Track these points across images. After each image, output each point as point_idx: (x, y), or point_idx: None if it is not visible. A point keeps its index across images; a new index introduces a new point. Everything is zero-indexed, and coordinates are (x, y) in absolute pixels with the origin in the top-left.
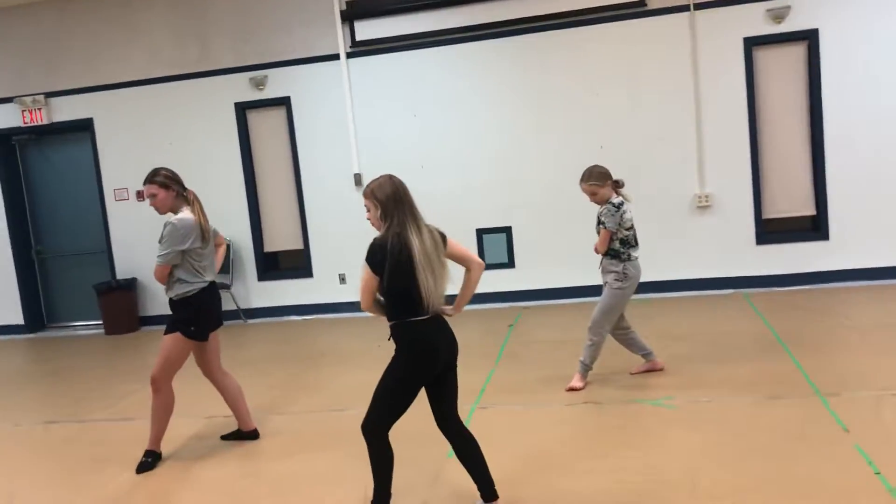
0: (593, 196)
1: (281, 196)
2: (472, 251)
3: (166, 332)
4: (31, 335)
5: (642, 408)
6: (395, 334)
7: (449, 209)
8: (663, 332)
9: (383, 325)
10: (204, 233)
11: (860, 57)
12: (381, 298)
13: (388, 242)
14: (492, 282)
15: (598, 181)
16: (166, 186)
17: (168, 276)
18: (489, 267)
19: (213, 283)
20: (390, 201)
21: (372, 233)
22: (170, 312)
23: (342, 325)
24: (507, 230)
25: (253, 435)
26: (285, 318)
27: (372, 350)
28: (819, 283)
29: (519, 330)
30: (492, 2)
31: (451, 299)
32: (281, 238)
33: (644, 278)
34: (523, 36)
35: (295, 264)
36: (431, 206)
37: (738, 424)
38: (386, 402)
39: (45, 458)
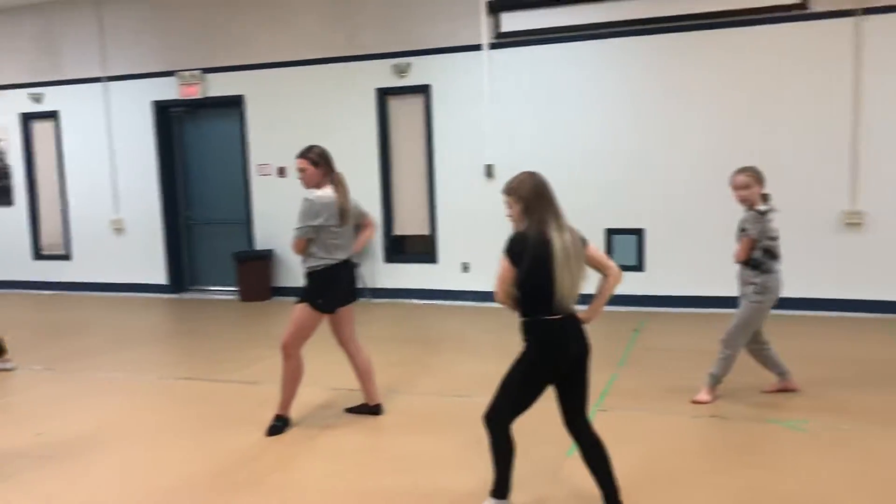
0: (745, 189)
1: (413, 182)
2: (610, 259)
3: (297, 302)
4: (174, 295)
5: (773, 428)
6: (526, 330)
7: (579, 207)
8: (802, 353)
9: (504, 316)
10: (342, 213)
11: None
12: (516, 292)
13: (529, 236)
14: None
15: (756, 177)
16: (316, 164)
17: (306, 248)
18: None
19: (345, 262)
20: (532, 197)
21: (504, 225)
22: (302, 284)
23: (462, 312)
24: (638, 232)
25: (377, 410)
26: (408, 301)
27: (492, 340)
28: None
29: (644, 335)
30: None
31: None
32: (409, 223)
33: (785, 294)
34: (671, 34)
35: (421, 249)
36: (562, 203)
37: (882, 456)
38: (510, 395)
39: (184, 411)
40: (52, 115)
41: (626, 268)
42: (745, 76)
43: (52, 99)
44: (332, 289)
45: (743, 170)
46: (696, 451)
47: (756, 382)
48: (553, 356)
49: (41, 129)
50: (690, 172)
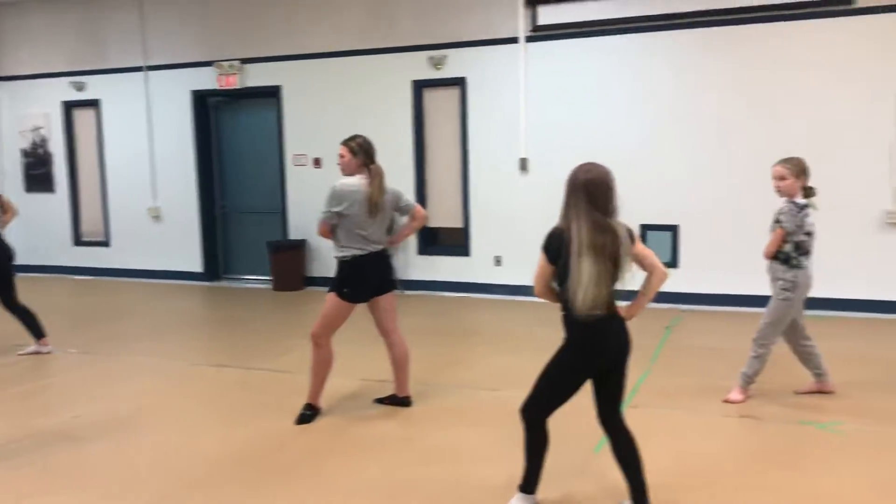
0: (781, 181)
1: (447, 174)
2: (656, 257)
3: (328, 291)
4: (209, 283)
5: (807, 430)
6: (566, 325)
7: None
8: (839, 354)
9: (537, 311)
10: (372, 204)
11: None
12: (557, 287)
13: (562, 232)
14: None
15: (795, 168)
16: (354, 153)
17: (333, 234)
18: None
19: (373, 253)
20: (573, 190)
21: (538, 218)
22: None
23: (494, 306)
24: (673, 228)
25: (406, 402)
26: (440, 293)
27: (525, 334)
28: None
29: (677, 333)
30: None
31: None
32: (443, 215)
33: (823, 294)
34: (711, 28)
35: (454, 242)
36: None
37: None
38: (547, 389)
39: (215, 397)
40: (93, 104)
41: None
42: (787, 72)
43: (94, 87)
44: (360, 279)
45: (782, 161)
46: (727, 452)
47: (790, 382)
48: (593, 352)
49: (82, 117)
50: (729, 168)
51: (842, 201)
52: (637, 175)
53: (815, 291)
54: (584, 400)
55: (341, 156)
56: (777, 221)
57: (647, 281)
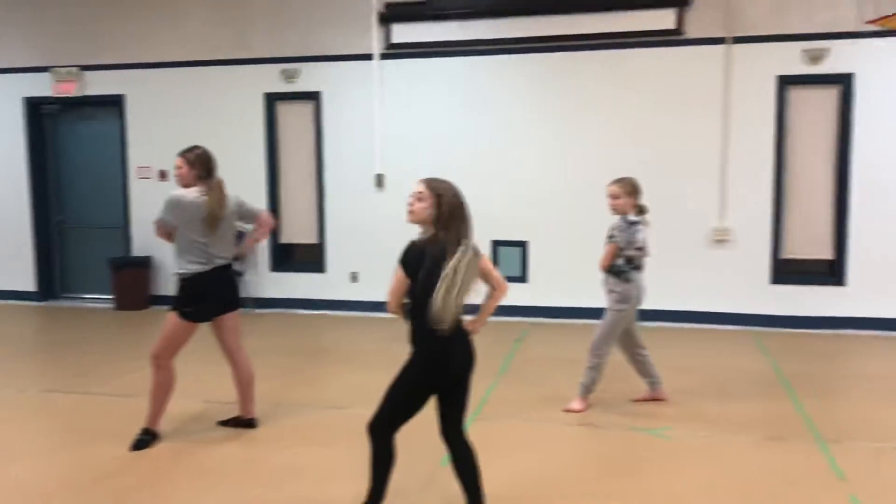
0: (615, 200)
1: (302, 189)
2: (499, 272)
3: (169, 310)
4: (43, 303)
5: (639, 436)
6: (414, 340)
7: None
8: (670, 363)
9: (392, 327)
10: (211, 219)
11: (892, 104)
12: (408, 301)
13: (428, 248)
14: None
15: (627, 187)
16: (191, 164)
17: (167, 237)
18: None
19: (219, 269)
20: (453, 208)
21: (395, 234)
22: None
23: (350, 323)
24: (523, 244)
25: (251, 423)
26: (294, 311)
27: (377, 350)
28: (832, 329)
29: (525, 345)
30: (528, 17)
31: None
32: (297, 231)
33: (657, 306)
34: (557, 53)
35: (309, 258)
36: None
37: (734, 464)
38: (394, 405)
39: (44, 425)
40: None
41: (510, 279)
42: (624, 96)
43: None
44: (203, 297)
45: (616, 181)
46: (567, 460)
47: (627, 391)
48: (437, 367)
49: None
50: (572, 186)
51: (676, 218)
52: (488, 191)
53: (651, 303)
54: (432, 413)
55: (178, 167)
56: (610, 237)
57: (491, 296)
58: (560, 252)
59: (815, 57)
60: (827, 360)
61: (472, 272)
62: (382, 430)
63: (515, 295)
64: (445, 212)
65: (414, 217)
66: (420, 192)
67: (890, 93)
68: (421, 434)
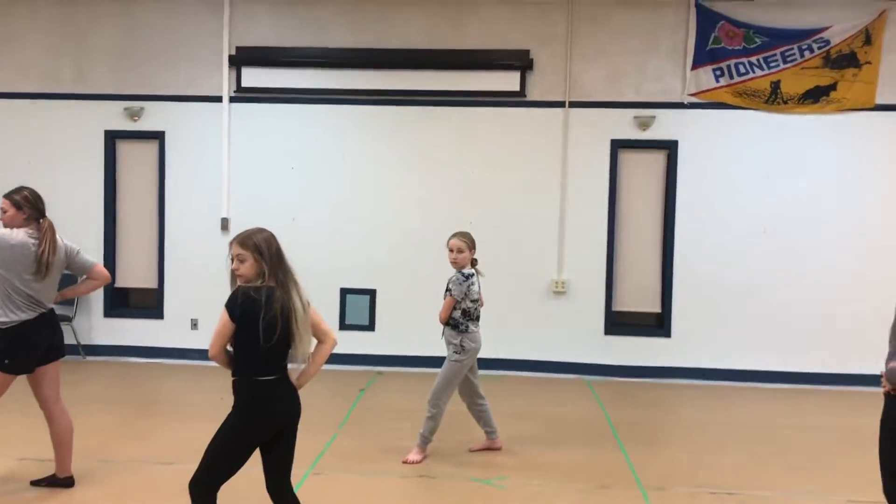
0: (458, 254)
1: (141, 231)
2: (328, 325)
3: None
4: None
5: (474, 486)
6: (237, 390)
7: (316, 266)
8: (505, 411)
9: (229, 377)
10: (41, 263)
11: (712, 170)
12: (231, 350)
13: (263, 295)
14: (351, 344)
15: (470, 241)
16: (19, 207)
17: None
18: (350, 328)
19: (42, 316)
20: (275, 256)
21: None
22: None
23: (187, 371)
24: (371, 293)
25: (67, 482)
26: (128, 359)
27: (212, 401)
28: (659, 378)
29: (370, 395)
30: (381, 70)
31: None
32: (135, 274)
33: (496, 355)
34: (407, 107)
35: (145, 304)
36: (299, 261)
37: None
38: (218, 459)
39: None
40: None
41: (358, 327)
42: (470, 151)
43: None
44: (23, 347)
45: (458, 234)
46: None
47: (467, 440)
48: (262, 418)
49: None
50: (419, 236)
51: (517, 270)
52: (337, 239)
53: (491, 352)
54: (261, 466)
55: (3, 210)
56: (448, 290)
57: (319, 349)
58: (407, 300)
59: (644, 124)
60: (653, 408)
61: (305, 322)
62: (204, 486)
63: (363, 344)
64: (269, 263)
65: (244, 279)
66: (240, 254)
67: (707, 158)
68: (254, 489)
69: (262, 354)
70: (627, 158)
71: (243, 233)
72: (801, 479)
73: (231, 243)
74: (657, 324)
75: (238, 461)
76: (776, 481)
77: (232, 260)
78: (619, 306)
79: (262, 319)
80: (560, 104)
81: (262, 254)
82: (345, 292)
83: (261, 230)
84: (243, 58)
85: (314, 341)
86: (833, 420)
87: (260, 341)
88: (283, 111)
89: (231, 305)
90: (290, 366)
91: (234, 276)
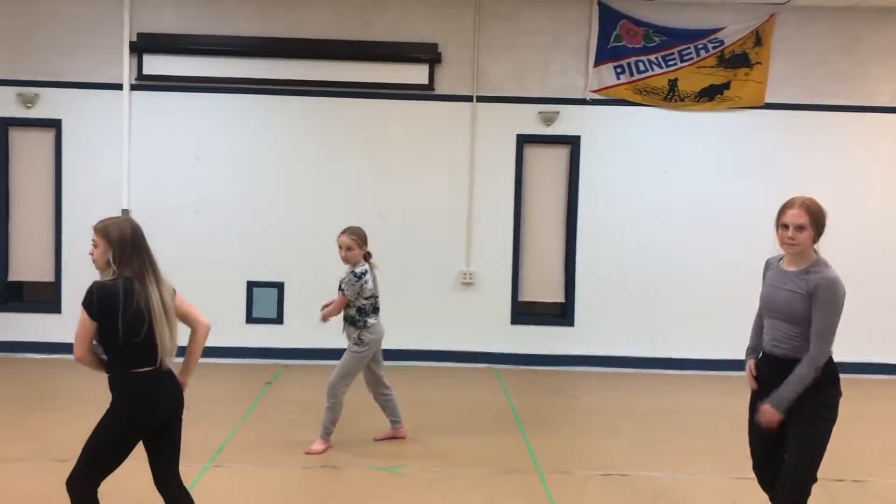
0: (348, 251)
1: (36, 223)
2: (199, 310)
3: None
4: None
5: (375, 475)
6: (114, 385)
7: (221, 258)
8: (413, 401)
9: None
10: None
11: (613, 165)
12: (98, 347)
13: (120, 288)
14: (258, 337)
15: (359, 239)
16: None
17: None
18: (257, 321)
19: None
20: (128, 245)
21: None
22: None
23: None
24: (279, 285)
25: None
26: (24, 355)
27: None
28: (563, 366)
29: (276, 388)
30: (287, 59)
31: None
32: (29, 267)
33: (405, 346)
34: (315, 98)
35: (42, 297)
36: (203, 253)
37: (459, 497)
38: (97, 457)
39: None
40: None
41: (265, 320)
42: (378, 143)
43: None
44: None
45: (347, 231)
46: (301, 502)
47: (371, 429)
48: (144, 411)
49: None
50: (326, 228)
51: (425, 261)
52: (244, 230)
53: (399, 343)
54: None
55: None
56: (340, 289)
57: (192, 339)
58: (315, 293)
59: (549, 119)
60: (555, 395)
61: (173, 308)
62: (83, 484)
63: (271, 337)
64: (118, 251)
65: (97, 265)
66: (94, 240)
67: (608, 154)
68: (135, 484)
69: (133, 347)
70: (532, 153)
71: (106, 219)
72: (690, 461)
73: (94, 227)
74: (561, 313)
75: (118, 457)
76: (667, 462)
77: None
78: (525, 296)
79: (123, 314)
80: (468, 98)
81: (111, 239)
82: (252, 285)
83: (118, 217)
84: (145, 44)
85: (181, 331)
86: (724, 404)
87: (132, 335)
88: (188, 100)
89: (87, 303)
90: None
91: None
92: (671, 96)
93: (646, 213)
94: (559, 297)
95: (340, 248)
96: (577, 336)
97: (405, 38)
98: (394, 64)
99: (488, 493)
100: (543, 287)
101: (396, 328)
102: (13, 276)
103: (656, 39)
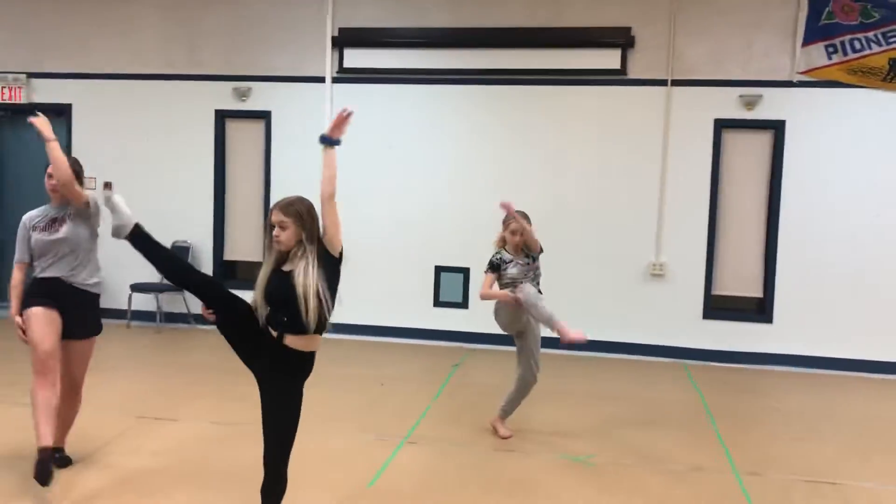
0: (522, 234)
1: (248, 207)
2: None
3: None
4: None
5: (565, 463)
6: (278, 355)
7: (412, 242)
8: (600, 392)
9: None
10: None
11: (822, 152)
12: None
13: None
14: (444, 320)
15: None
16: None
17: None
18: (444, 305)
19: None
20: (316, 221)
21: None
22: None
23: None
24: (465, 271)
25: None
26: None
27: None
28: (758, 364)
29: (462, 370)
30: (479, 49)
31: None
32: (242, 247)
33: (595, 337)
34: (505, 86)
35: (252, 276)
36: (394, 236)
37: (653, 492)
38: (293, 431)
39: None
40: None
41: (452, 304)
42: (568, 130)
43: None
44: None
45: (520, 215)
46: (494, 483)
47: (559, 417)
48: (304, 374)
49: None
50: None
51: (613, 251)
52: (434, 217)
53: (588, 335)
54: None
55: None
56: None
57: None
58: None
59: (750, 103)
60: (751, 395)
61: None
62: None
63: (457, 321)
64: (310, 228)
65: (285, 246)
66: (282, 222)
67: (816, 140)
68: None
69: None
70: (731, 139)
71: (282, 202)
72: None
73: (272, 210)
74: (758, 309)
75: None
76: (883, 473)
77: (272, 227)
78: (718, 290)
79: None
80: (662, 82)
81: (303, 221)
82: (439, 269)
83: (298, 197)
84: (346, 39)
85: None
86: None
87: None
88: (383, 91)
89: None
90: None
91: (271, 245)
92: (892, 76)
93: (857, 202)
94: (757, 292)
95: (515, 234)
96: (775, 333)
97: (596, 23)
98: (585, 49)
99: (681, 491)
100: (739, 280)
101: (581, 319)
102: (228, 256)
103: (875, 14)
